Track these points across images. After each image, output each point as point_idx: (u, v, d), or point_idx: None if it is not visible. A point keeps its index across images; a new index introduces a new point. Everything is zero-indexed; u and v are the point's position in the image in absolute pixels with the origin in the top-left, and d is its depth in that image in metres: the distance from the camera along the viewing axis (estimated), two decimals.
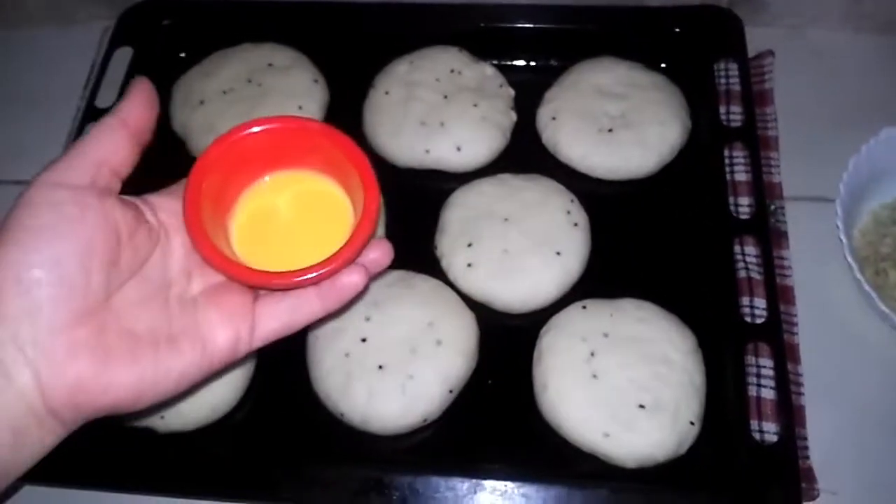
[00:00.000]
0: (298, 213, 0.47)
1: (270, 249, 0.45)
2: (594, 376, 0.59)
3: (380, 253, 0.46)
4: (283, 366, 0.63)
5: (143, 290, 0.40)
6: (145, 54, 0.76)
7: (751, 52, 0.74)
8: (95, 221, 0.38)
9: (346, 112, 0.74)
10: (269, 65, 0.74)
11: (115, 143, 0.41)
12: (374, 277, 0.46)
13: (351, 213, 0.47)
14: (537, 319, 0.63)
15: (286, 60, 0.75)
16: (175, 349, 0.40)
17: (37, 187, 0.39)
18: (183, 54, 0.79)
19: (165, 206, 0.44)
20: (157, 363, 0.39)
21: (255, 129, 0.45)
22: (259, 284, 0.43)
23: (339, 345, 0.61)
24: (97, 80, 0.74)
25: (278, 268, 0.43)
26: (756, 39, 0.75)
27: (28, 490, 0.59)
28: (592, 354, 0.60)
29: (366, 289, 0.45)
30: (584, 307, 0.62)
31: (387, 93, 0.72)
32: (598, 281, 0.65)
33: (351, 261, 0.43)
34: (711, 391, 0.60)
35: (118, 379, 0.38)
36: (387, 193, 0.68)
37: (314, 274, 0.42)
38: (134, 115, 0.42)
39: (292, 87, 0.73)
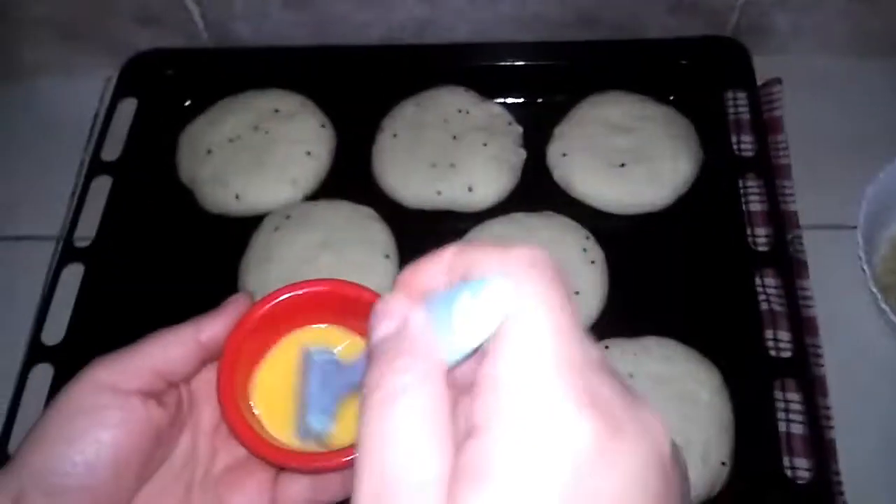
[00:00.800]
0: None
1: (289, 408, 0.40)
2: None
3: None
4: None
5: (167, 478, 0.39)
6: (150, 104, 0.76)
7: (758, 81, 0.74)
8: (137, 430, 0.36)
9: (354, 156, 0.73)
10: (276, 111, 0.74)
11: (183, 357, 0.38)
12: None
13: None
14: None
15: (292, 106, 0.74)
16: None
17: (85, 385, 0.37)
18: (188, 102, 0.78)
19: (199, 377, 0.41)
20: None
21: (299, 291, 0.41)
22: (284, 464, 0.40)
23: None
24: (101, 133, 0.74)
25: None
26: (762, 67, 0.75)
27: None
28: None
29: None
30: (607, 347, 0.61)
31: (395, 135, 0.72)
32: (618, 319, 0.64)
33: None
34: (740, 429, 0.58)
35: None
36: (398, 236, 0.68)
37: (343, 459, 0.37)
38: (210, 333, 0.39)
39: (300, 133, 0.72)
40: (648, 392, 0.58)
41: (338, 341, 0.42)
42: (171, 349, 0.38)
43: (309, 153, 0.71)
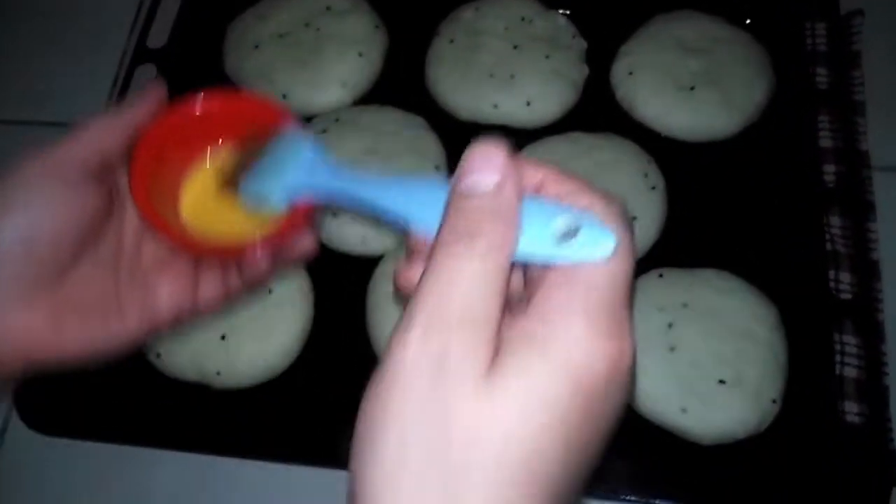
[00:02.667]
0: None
1: (219, 220, 0.43)
2: (672, 349, 0.56)
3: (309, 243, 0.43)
4: (341, 326, 0.60)
5: (97, 259, 0.41)
6: None
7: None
8: (76, 207, 0.39)
9: (407, 60, 0.70)
10: (328, 8, 0.70)
11: (116, 137, 0.40)
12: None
13: None
14: None
15: (345, 3, 0.71)
16: (122, 318, 0.41)
17: (30, 163, 0.39)
18: None
19: (124, 178, 0.42)
20: (106, 330, 0.41)
21: (215, 102, 0.43)
22: (199, 253, 0.43)
23: (399, 311, 0.58)
24: (148, 19, 0.71)
25: (224, 235, 0.42)
26: None
27: (82, 447, 0.58)
28: (670, 326, 0.57)
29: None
30: (661, 275, 0.59)
31: (452, 41, 0.68)
32: (674, 248, 0.61)
33: (295, 230, 0.41)
34: (793, 368, 0.57)
35: (68, 342, 0.39)
36: (448, 148, 0.66)
37: (252, 245, 0.41)
38: (138, 116, 0.41)
39: (352, 33, 0.69)
40: (703, 324, 0.56)
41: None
42: (106, 128, 0.40)
43: (361, 54, 0.68)
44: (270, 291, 0.59)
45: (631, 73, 0.67)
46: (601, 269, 0.26)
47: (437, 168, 0.64)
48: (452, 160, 0.65)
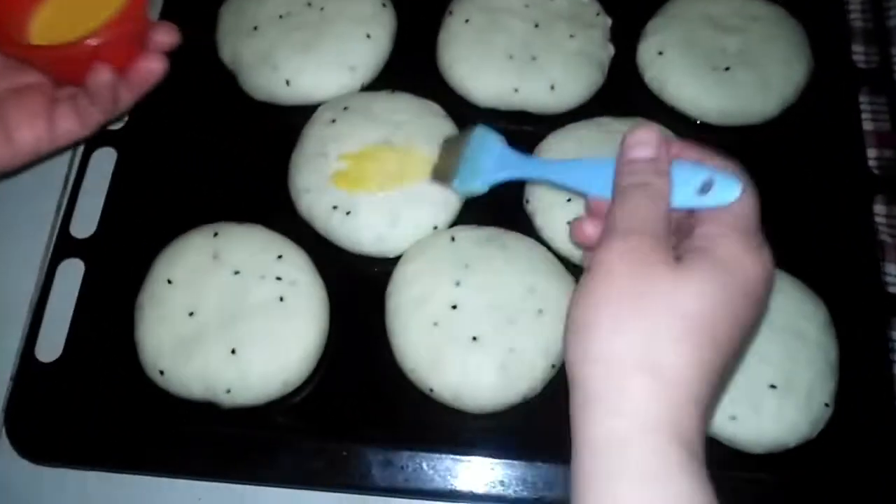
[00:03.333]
0: (91, 8, 0.47)
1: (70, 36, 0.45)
2: None
3: (169, 35, 0.49)
4: (360, 335, 0.56)
5: None
6: None
7: None
8: None
9: (418, 41, 0.65)
10: None
11: None
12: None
13: None
14: None
15: None
16: None
17: None
18: None
19: None
20: None
21: None
22: (40, 60, 0.47)
23: (425, 313, 0.53)
24: None
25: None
26: None
27: (80, 476, 0.53)
28: None
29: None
30: None
31: (467, 21, 0.63)
32: None
33: (127, 23, 0.45)
34: (845, 369, 0.53)
35: None
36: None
37: (90, 41, 0.44)
38: None
39: (358, 12, 0.63)
40: None
41: None
42: None
43: (369, 36, 0.63)
44: (282, 299, 0.54)
45: (661, 53, 0.62)
46: (740, 203, 0.35)
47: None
48: None
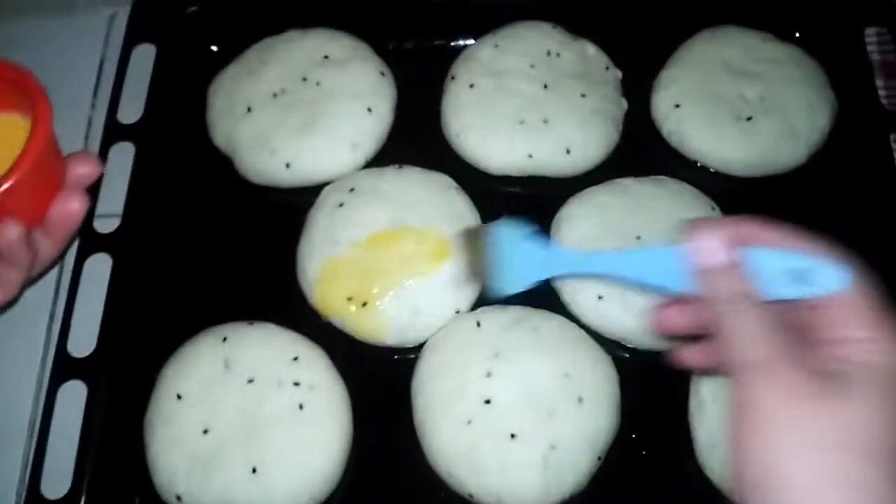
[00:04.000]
0: None
1: None
2: None
3: (87, 166, 0.45)
4: (387, 435, 0.52)
5: None
6: (170, 51, 0.62)
7: None
8: None
9: (419, 110, 0.62)
10: (325, 57, 0.61)
11: None
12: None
13: None
14: None
15: (344, 50, 0.62)
16: None
17: None
18: (215, 48, 0.65)
19: None
20: None
21: None
22: None
23: (457, 410, 0.50)
24: (116, 88, 0.61)
25: None
26: None
27: None
28: None
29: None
30: None
31: (472, 85, 0.60)
32: None
33: (24, 175, 0.41)
34: None
35: None
36: (481, 207, 0.57)
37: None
38: None
39: (357, 85, 0.60)
40: None
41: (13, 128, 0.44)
42: None
43: (370, 109, 0.59)
44: (301, 407, 0.50)
45: (678, 106, 0.59)
46: (862, 287, 0.33)
47: None
48: (487, 221, 0.57)
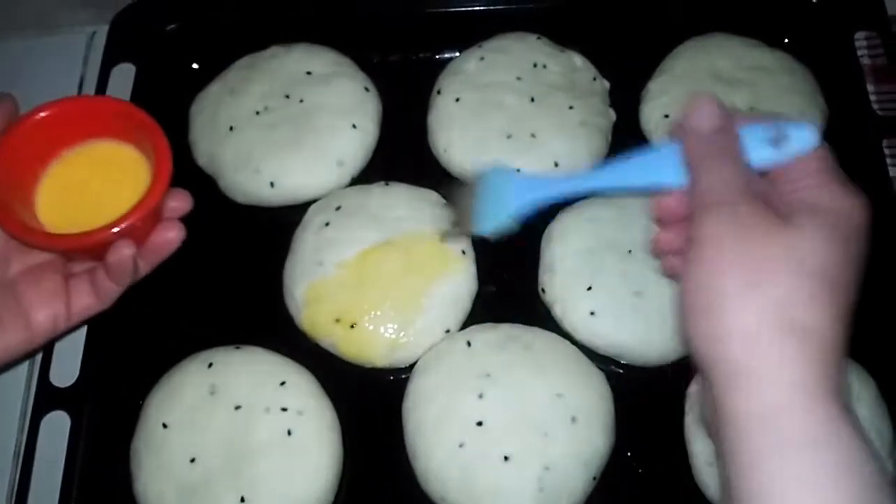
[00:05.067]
0: (101, 182, 0.48)
1: (78, 218, 0.46)
2: None
3: (180, 201, 0.49)
4: (378, 459, 0.51)
5: None
6: (149, 70, 0.61)
7: None
8: None
9: (405, 125, 0.61)
10: (308, 73, 0.60)
11: None
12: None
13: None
14: (681, 374, 0.52)
15: (327, 65, 0.61)
16: (3, 332, 0.44)
17: None
18: (196, 65, 0.64)
19: None
20: None
21: (46, 112, 0.47)
22: (62, 247, 0.46)
23: (449, 432, 0.49)
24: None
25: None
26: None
27: None
28: None
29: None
30: None
31: (458, 99, 0.59)
32: None
33: (145, 214, 0.44)
34: None
35: None
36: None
37: (116, 229, 0.44)
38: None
39: (341, 100, 0.59)
40: None
41: (123, 157, 0.48)
42: None
43: (355, 126, 0.58)
44: (290, 433, 0.49)
45: (667, 116, 0.58)
46: (820, 149, 0.35)
47: (463, 253, 0.55)
48: (475, 238, 0.56)
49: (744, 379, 0.31)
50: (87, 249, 0.46)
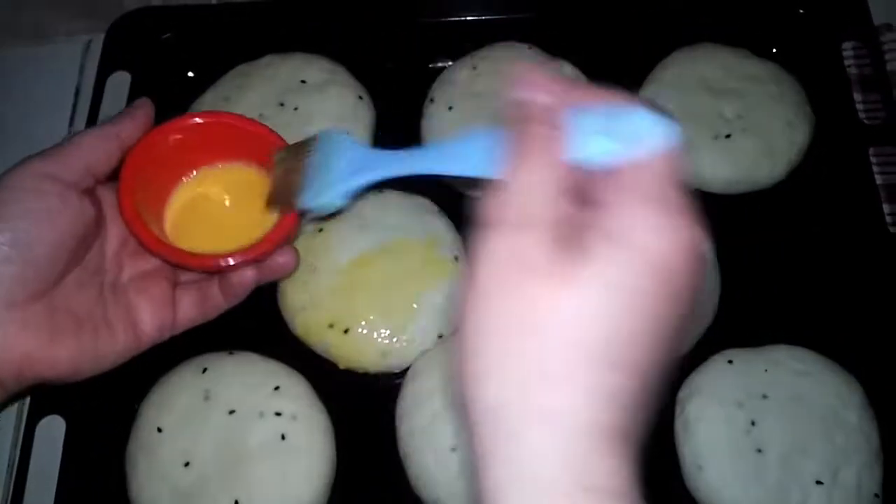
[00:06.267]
0: (230, 203, 0.50)
1: (203, 237, 0.47)
2: (759, 451, 0.49)
3: (286, 258, 0.49)
4: (372, 464, 0.52)
5: (82, 276, 0.44)
6: (144, 79, 0.62)
7: None
8: (73, 217, 0.42)
9: (396, 133, 0.61)
10: (302, 82, 0.61)
11: (107, 154, 0.44)
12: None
13: None
14: (669, 377, 0.52)
15: (321, 74, 0.61)
16: (111, 331, 0.44)
17: (26, 172, 0.42)
18: (191, 73, 0.65)
19: (107, 198, 0.46)
20: (97, 343, 0.44)
21: (188, 122, 0.48)
22: (188, 265, 0.46)
23: (442, 436, 0.49)
24: (91, 119, 0.60)
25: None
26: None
27: None
28: (753, 423, 0.49)
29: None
30: (731, 361, 0.52)
31: (450, 108, 0.60)
32: (735, 324, 0.54)
33: (270, 249, 0.46)
34: (889, 453, 0.50)
35: (62, 355, 0.42)
36: (463, 232, 0.57)
37: (233, 261, 0.45)
38: (128, 133, 0.45)
39: (335, 109, 0.60)
40: (787, 417, 0.50)
41: (249, 178, 0.49)
42: (99, 147, 0.44)
43: (348, 133, 0.59)
44: (284, 437, 0.50)
45: None
46: (664, 159, 0.29)
47: (455, 259, 0.55)
48: (468, 244, 0.56)
49: (489, 462, 0.27)
50: (213, 270, 0.48)
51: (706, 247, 0.30)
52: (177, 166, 0.49)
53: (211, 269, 0.47)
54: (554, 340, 0.27)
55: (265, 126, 0.49)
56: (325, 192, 0.41)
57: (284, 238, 0.47)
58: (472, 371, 0.28)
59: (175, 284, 0.48)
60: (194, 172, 0.50)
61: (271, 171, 0.47)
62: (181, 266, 0.47)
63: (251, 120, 0.50)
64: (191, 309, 0.48)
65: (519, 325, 0.27)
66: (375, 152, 0.42)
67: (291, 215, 0.46)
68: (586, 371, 0.27)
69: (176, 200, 0.49)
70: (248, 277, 0.46)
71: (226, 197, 0.50)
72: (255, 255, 0.46)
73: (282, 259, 0.48)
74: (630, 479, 0.27)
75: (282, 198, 0.45)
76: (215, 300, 0.48)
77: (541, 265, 0.27)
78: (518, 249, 0.28)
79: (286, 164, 0.45)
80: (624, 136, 0.28)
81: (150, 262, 0.48)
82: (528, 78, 0.31)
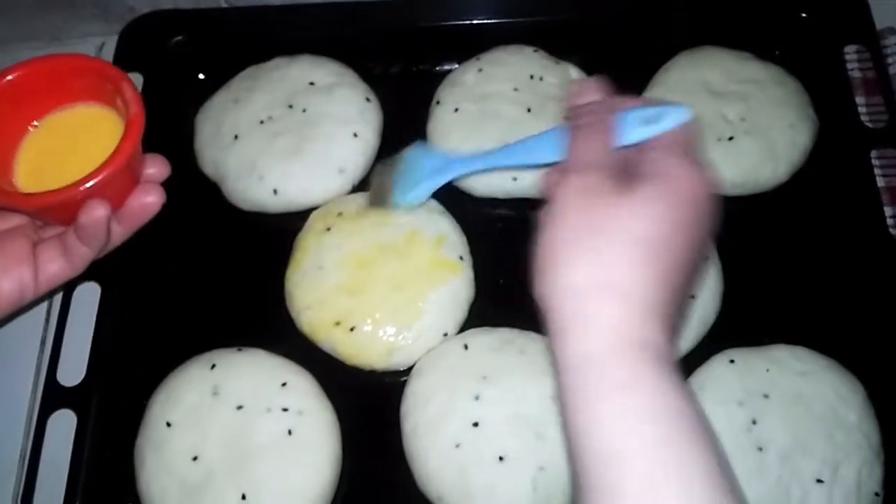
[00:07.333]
0: (81, 147, 0.47)
1: (56, 183, 0.43)
2: (759, 449, 0.49)
3: (158, 166, 0.48)
4: (376, 460, 0.53)
5: None
6: (156, 80, 0.63)
7: None
8: None
9: (404, 134, 0.62)
10: (311, 83, 0.62)
11: None
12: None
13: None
14: None
15: (329, 76, 0.62)
16: None
17: None
18: (202, 75, 0.66)
19: None
20: None
21: (12, 75, 0.46)
22: (30, 206, 0.44)
23: (446, 433, 0.50)
24: None
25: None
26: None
27: None
28: (754, 422, 0.50)
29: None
30: (732, 361, 0.52)
31: (456, 110, 0.61)
32: (737, 324, 0.55)
33: (115, 170, 0.43)
34: (890, 452, 0.50)
35: None
36: (467, 228, 0.58)
37: (87, 185, 0.42)
38: None
39: (343, 110, 0.61)
40: (787, 416, 0.50)
41: (102, 121, 0.47)
42: None
43: (356, 135, 0.60)
44: (290, 432, 0.50)
45: None
46: (682, 129, 0.39)
47: (461, 259, 0.56)
48: (474, 246, 0.57)
49: (568, 330, 0.35)
50: (58, 208, 0.44)
51: (716, 187, 0.39)
52: (18, 116, 0.46)
53: (55, 206, 0.44)
54: (617, 236, 0.35)
55: (97, 60, 0.48)
56: (411, 190, 0.53)
57: (128, 157, 0.43)
58: (555, 263, 0.36)
59: (35, 242, 0.46)
60: (36, 122, 0.47)
61: (371, 178, 0.57)
62: (23, 210, 0.45)
63: (82, 56, 0.48)
64: (54, 263, 0.45)
65: (589, 228, 0.36)
66: (452, 156, 0.53)
67: (129, 141, 0.43)
68: (647, 260, 0.35)
69: (23, 153, 0.47)
70: (98, 215, 0.43)
71: (74, 140, 0.47)
72: (91, 181, 0.42)
73: (147, 198, 0.46)
74: (674, 352, 0.35)
75: (379, 198, 0.55)
76: (78, 249, 0.45)
77: (604, 191, 0.36)
78: (587, 183, 0.37)
79: (383, 171, 0.55)
80: (654, 122, 0.39)
81: (7, 222, 0.46)
82: (581, 87, 0.43)
